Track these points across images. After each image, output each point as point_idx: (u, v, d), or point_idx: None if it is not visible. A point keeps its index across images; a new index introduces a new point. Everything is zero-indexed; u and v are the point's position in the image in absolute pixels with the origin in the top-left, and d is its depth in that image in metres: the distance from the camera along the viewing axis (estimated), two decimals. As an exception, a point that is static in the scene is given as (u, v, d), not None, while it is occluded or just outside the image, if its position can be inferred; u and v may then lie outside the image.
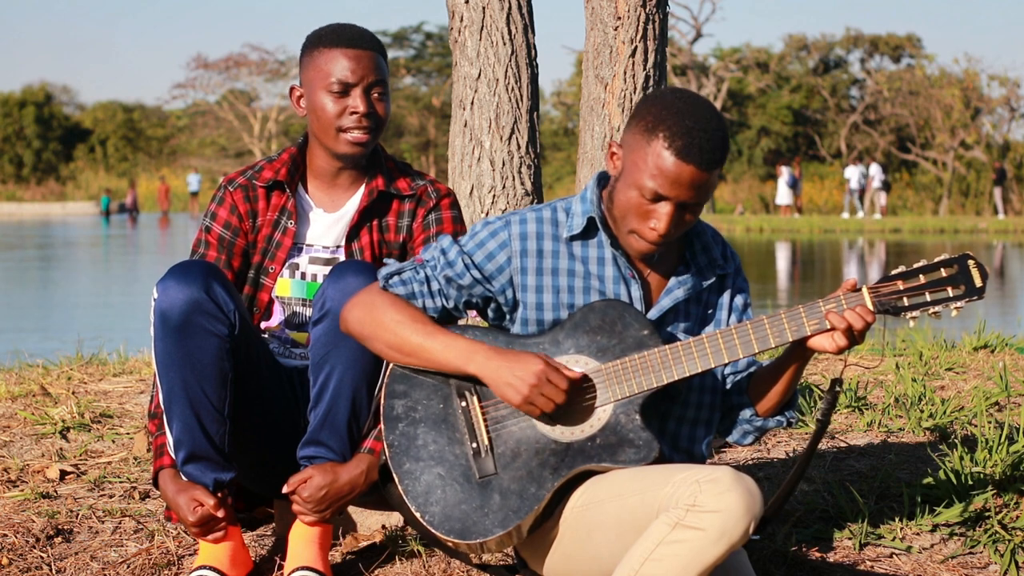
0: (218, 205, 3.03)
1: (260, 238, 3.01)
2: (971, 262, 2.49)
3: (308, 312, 3.01)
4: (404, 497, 2.56)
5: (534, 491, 2.51)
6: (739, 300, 2.71)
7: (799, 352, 2.57)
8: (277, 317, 3.05)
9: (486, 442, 2.55)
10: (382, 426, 2.62)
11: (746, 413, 2.69)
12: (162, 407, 2.83)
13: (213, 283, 2.77)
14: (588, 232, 2.63)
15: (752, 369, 2.72)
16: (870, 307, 2.49)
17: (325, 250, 3.02)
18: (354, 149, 2.94)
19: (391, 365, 2.64)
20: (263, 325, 3.04)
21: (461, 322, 2.71)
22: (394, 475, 2.58)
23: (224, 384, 2.80)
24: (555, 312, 2.61)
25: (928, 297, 2.49)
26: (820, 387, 4.65)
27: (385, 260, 2.75)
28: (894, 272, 2.52)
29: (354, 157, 2.97)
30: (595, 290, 2.61)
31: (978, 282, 2.48)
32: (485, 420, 2.56)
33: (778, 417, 2.70)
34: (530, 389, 2.46)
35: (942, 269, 2.50)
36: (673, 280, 2.65)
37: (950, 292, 2.49)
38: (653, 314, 2.62)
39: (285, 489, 2.84)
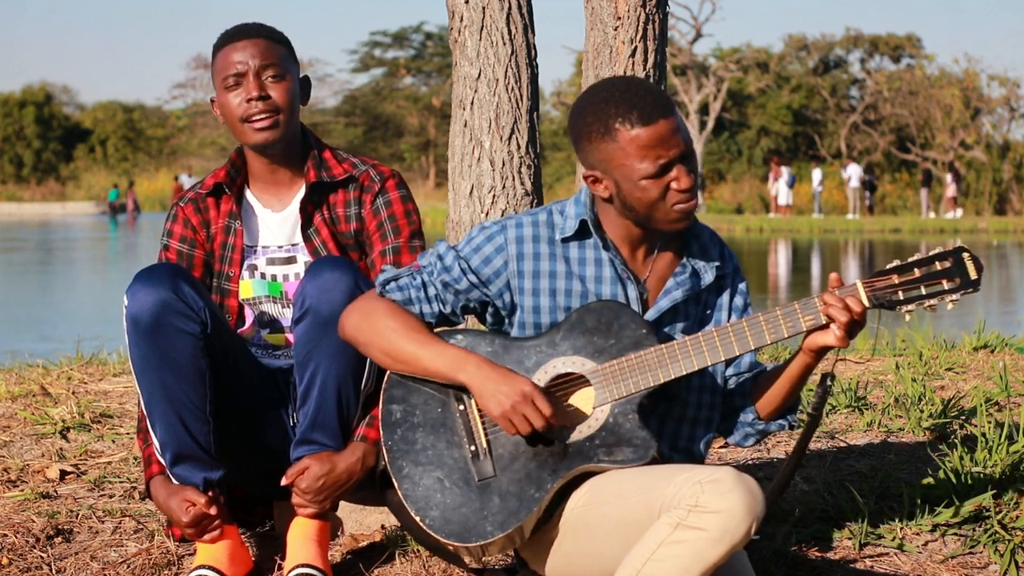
0: (172, 222, 3.06)
1: (216, 245, 3.04)
2: (966, 255, 2.48)
3: (276, 309, 3.02)
4: (404, 501, 2.55)
5: (533, 493, 2.50)
6: (738, 300, 2.71)
7: (804, 356, 2.57)
8: (249, 319, 3.05)
9: (484, 445, 2.54)
10: (380, 430, 2.61)
11: (748, 416, 2.69)
12: (144, 414, 2.84)
13: (180, 283, 2.78)
14: (582, 234, 2.63)
15: (756, 371, 2.72)
16: (864, 301, 2.49)
17: (280, 249, 3.03)
18: (262, 137, 2.93)
19: (389, 371, 2.64)
20: (238, 332, 3.04)
21: (460, 325, 2.71)
22: (393, 480, 2.57)
23: (203, 382, 2.81)
24: (552, 315, 2.61)
25: (923, 290, 2.48)
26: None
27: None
28: (889, 266, 2.50)
29: (267, 146, 2.95)
30: (591, 292, 2.61)
31: (973, 274, 2.47)
32: (483, 423, 2.55)
33: (779, 421, 2.71)
34: (512, 406, 2.47)
35: (936, 262, 2.48)
36: (671, 281, 2.65)
37: (945, 285, 2.48)
38: (651, 315, 2.62)
39: (284, 481, 2.85)
